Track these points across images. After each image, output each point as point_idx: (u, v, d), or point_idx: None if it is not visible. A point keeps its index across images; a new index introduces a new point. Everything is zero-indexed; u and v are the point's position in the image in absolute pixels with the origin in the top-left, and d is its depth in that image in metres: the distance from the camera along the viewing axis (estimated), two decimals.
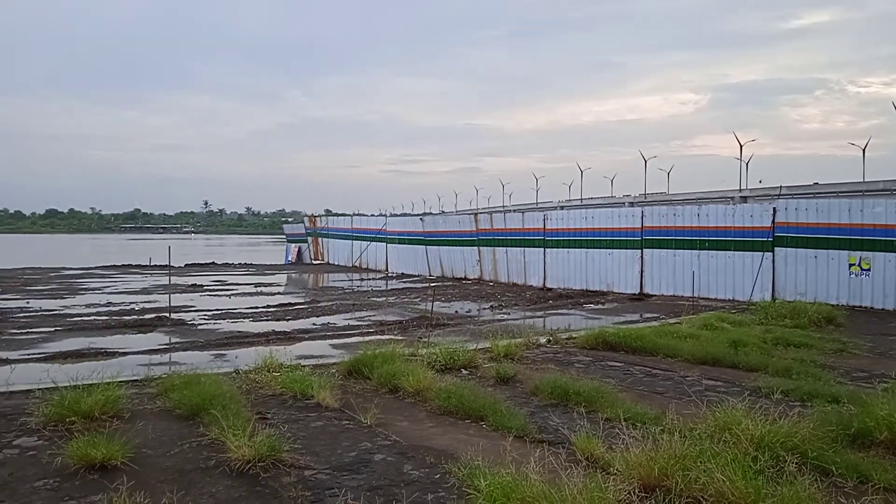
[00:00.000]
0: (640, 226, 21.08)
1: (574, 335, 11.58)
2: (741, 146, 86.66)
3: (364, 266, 35.16)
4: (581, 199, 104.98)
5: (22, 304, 18.32)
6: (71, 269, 33.21)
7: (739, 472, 4.16)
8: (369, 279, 29.19)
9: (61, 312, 16.50)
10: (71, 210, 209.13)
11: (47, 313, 16.29)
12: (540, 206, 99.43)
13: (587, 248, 22.51)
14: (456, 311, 17.21)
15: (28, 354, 10.98)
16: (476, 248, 27.09)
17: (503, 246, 25.73)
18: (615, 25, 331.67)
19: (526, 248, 24.60)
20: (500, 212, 28.22)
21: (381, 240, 33.98)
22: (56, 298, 19.94)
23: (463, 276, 27.74)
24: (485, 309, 18.15)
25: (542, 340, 11.25)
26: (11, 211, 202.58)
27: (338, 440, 5.88)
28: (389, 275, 31.49)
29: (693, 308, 15.88)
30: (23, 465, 5.26)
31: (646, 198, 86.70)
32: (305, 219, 44.64)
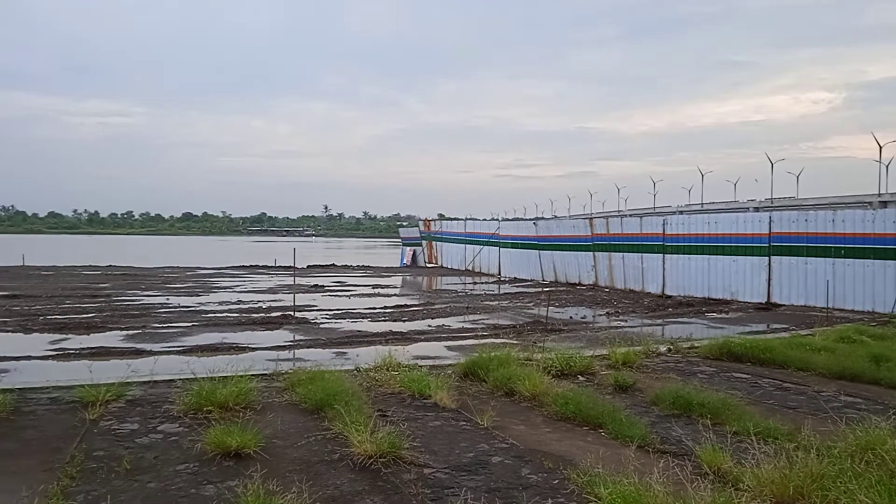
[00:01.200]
0: (767, 231, 20.00)
1: (696, 344, 11.15)
2: (881, 147, 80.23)
3: (477, 270, 35.38)
4: (702, 203, 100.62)
5: (163, 300, 19.78)
6: (205, 268, 35.48)
7: (886, 494, 3.86)
8: (482, 283, 29.34)
9: (197, 309, 17.66)
10: (204, 213, 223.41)
11: (185, 309, 17.49)
12: (657, 210, 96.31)
13: (709, 254, 21.61)
14: (570, 317, 16.97)
15: (168, 347, 11.83)
16: (591, 253, 26.63)
17: (619, 251, 25.16)
18: (737, 22, 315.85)
19: (644, 254, 23.93)
20: (617, 216, 27.62)
21: (493, 244, 34.08)
22: (192, 296, 21.36)
23: (577, 282, 27.34)
24: (600, 315, 17.80)
25: (662, 349, 10.90)
26: (153, 214, 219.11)
27: (455, 440, 5.96)
28: (502, 279, 31.52)
29: (827, 319, 14.88)
30: (166, 449, 5.68)
31: (772, 202, 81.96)
32: (420, 223, 45.50)
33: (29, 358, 10.66)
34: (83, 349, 11.45)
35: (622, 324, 16.01)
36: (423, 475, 5.08)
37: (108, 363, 10.31)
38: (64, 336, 12.88)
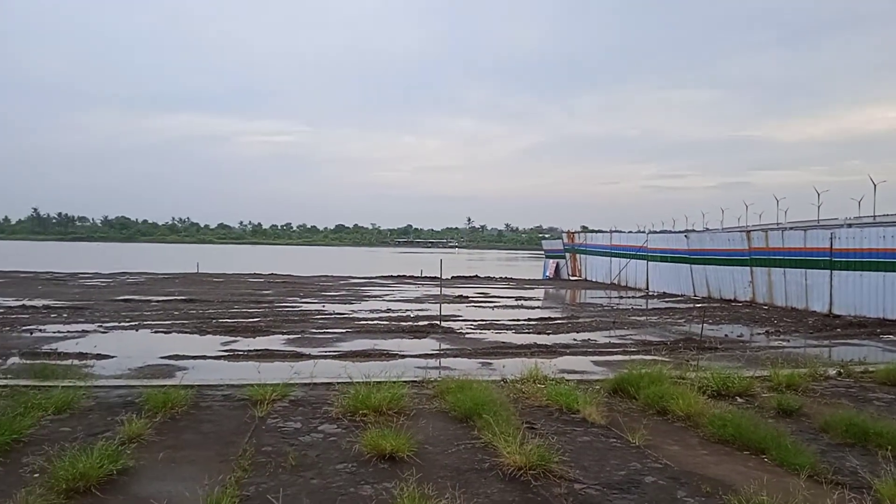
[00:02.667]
0: None
1: (871, 368, 10.21)
2: None
3: (623, 284, 34.45)
4: (874, 216, 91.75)
5: (319, 307, 20.93)
6: (356, 278, 37.14)
7: None
8: (628, 297, 28.51)
9: (350, 316, 18.52)
10: (355, 225, 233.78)
11: (339, 316, 18.41)
12: (823, 223, 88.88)
13: (885, 271, 19.67)
14: (725, 335, 16.09)
15: (325, 351, 12.50)
16: (748, 268, 25.11)
17: (780, 266, 23.52)
18: None
19: (808, 270, 22.19)
20: (777, 229, 25.82)
21: (640, 257, 33.03)
22: (345, 303, 22.43)
23: (732, 298, 25.86)
24: (758, 334, 16.73)
25: (831, 372, 10.07)
26: (309, 225, 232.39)
27: (606, 457, 5.84)
28: (650, 293, 30.47)
29: None
30: (327, 448, 6.01)
31: None
32: (563, 235, 45.00)
33: (204, 357, 11.66)
34: (250, 351, 12.37)
35: (783, 344, 14.95)
36: (574, 490, 5.03)
37: (272, 365, 11.08)
38: (233, 338, 13.97)
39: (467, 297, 25.98)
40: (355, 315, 18.84)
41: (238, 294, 25.08)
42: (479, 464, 5.60)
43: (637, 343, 14.36)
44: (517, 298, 25.99)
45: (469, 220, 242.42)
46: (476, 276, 41.27)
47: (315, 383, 8.62)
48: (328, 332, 15.12)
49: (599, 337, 15.32)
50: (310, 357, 11.78)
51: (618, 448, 6.14)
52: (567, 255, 42.45)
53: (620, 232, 37.42)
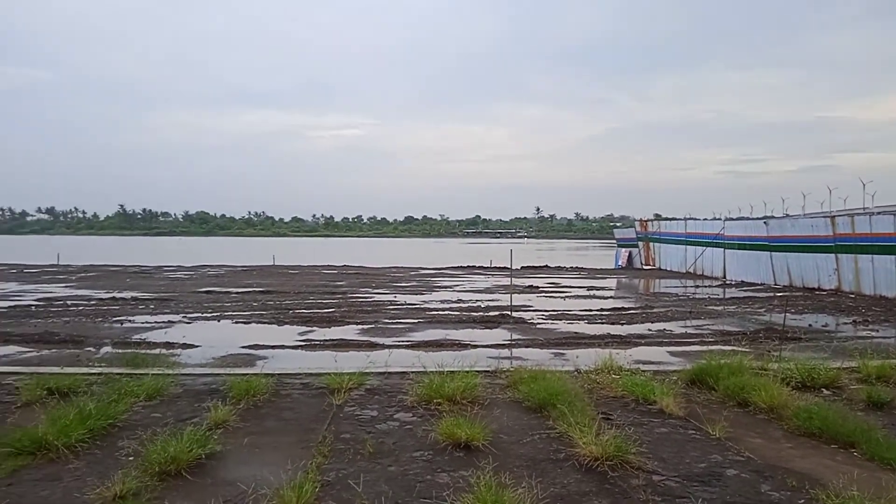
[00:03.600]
0: None
1: None
2: None
3: (699, 272, 33.53)
4: None
5: (391, 297, 21.23)
6: (426, 268, 37.46)
7: None
8: (704, 286, 27.74)
9: (421, 307, 18.71)
10: (424, 217, 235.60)
11: (410, 307, 18.62)
12: None
13: None
14: (809, 325, 15.47)
15: (398, 341, 12.67)
16: (833, 254, 24.03)
17: (867, 253, 22.39)
18: None
19: None
20: (863, 214, 24.52)
21: (717, 245, 32.05)
22: (416, 294, 22.66)
23: (816, 286, 24.82)
24: (845, 324, 16.00)
25: None
26: (379, 217, 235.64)
27: (685, 449, 5.73)
28: (727, 282, 29.56)
29: None
30: (402, 436, 6.11)
31: None
32: (636, 223, 44.08)
33: (283, 347, 12.01)
34: (326, 340, 12.67)
35: (872, 334, 14.26)
36: (652, 482, 4.95)
37: (347, 354, 11.32)
38: (309, 328, 14.34)
39: (538, 287, 25.82)
40: (426, 305, 19.01)
41: (312, 285, 25.70)
42: (555, 454, 5.58)
43: (715, 333, 13.98)
44: (589, 288, 25.66)
45: (538, 209, 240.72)
46: (546, 265, 40.94)
47: (389, 372, 8.77)
48: (400, 323, 15.32)
49: (675, 327, 14.98)
50: (383, 347, 11.98)
51: (697, 440, 6.01)
52: (640, 243, 41.61)
53: (695, 219, 36.27)
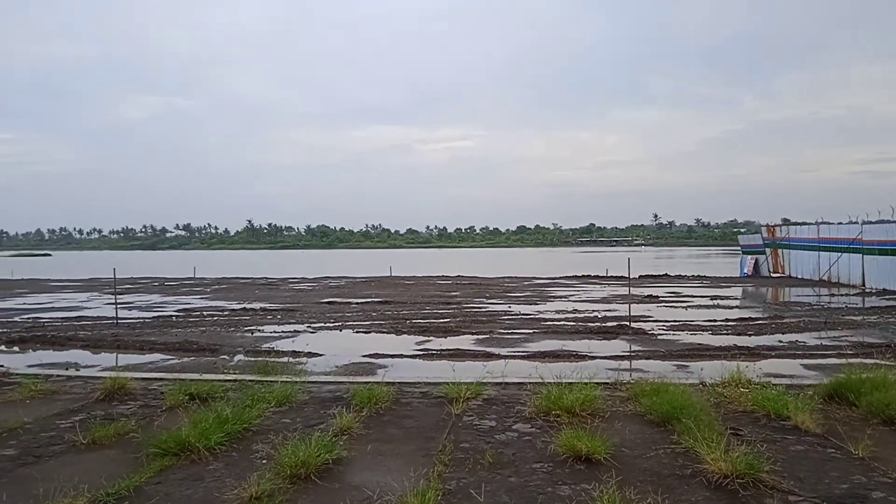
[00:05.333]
0: None
1: None
2: None
3: (833, 280, 31.33)
4: None
5: (505, 308, 21.25)
6: (540, 278, 37.20)
7: None
8: (840, 294, 25.89)
9: (536, 317, 18.60)
10: (536, 226, 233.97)
11: (525, 317, 18.56)
12: None
13: None
14: None
15: (514, 352, 12.66)
16: None
17: None
18: None
19: None
20: None
21: (854, 250, 29.83)
22: (530, 304, 22.55)
23: None
24: None
25: None
26: (491, 228, 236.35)
27: (823, 469, 5.37)
28: (867, 290, 27.42)
29: None
30: (522, 447, 6.10)
31: None
32: (762, 229, 41.76)
33: (401, 356, 12.31)
34: (443, 350, 12.87)
35: None
36: (788, 502, 4.68)
37: (463, 364, 11.43)
38: (426, 338, 14.61)
39: (657, 296, 25.04)
40: (541, 316, 18.88)
41: (428, 296, 26.15)
42: (681, 469, 5.39)
43: (855, 345, 13.02)
44: (712, 297, 24.60)
45: (655, 216, 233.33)
46: (665, 274, 39.61)
47: (506, 383, 8.78)
48: (515, 333, 15.30)
49: (808, 338, 14.08)
50: (499, 357, 12.01)
51: (837, 459, 5.62)
52: (767, 250, 39.41)
53: (829, 223, 33.89)
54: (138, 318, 19.38)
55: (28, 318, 19.39)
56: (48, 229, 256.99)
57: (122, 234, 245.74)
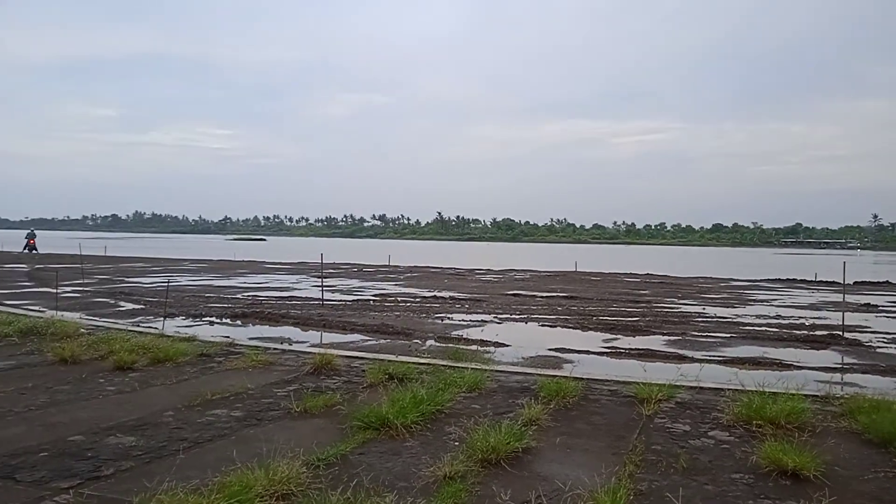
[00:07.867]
0: None
1: None
2: None
3: None
4: None
5: (699, 309, 20.20)
6: (738, 280, 34.89)
7: None
8: None
9: (733, 320, 17.49)
10: (734, 224, 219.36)
11: (721, 320, 17.52)
12: None
13: None
14: None
15: (709, 356, 12.03)
16: None
17: None
18: None
19: None
20: None
21: None
22: (727, 307, 21.23)
23: None
24: None
25: None
26: (683, 225, 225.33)
27: None
28: None
29: None
30: (718, 455, 5.80)
31: None
32: None
33: (588, 352, 12.18)
34: (631, 349, 12.54)
35: None
36: None
37: (654, 364, 11.06)
38: (614, 336, 14.31)
39: (876, 305, 22.49)
40: (739, 319, 17.72)
41: (615, 293, 25.56)
42: None
43: None
44: None
45: (875, 216, 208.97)
46: (887, 281, 35.39)
47: (702, 387, 8.38)
48: (711, 336, 14.51)
49: None
50: (693, 360, 11.48)
51: None
52: None
53: None
54: (340, 300, 20.90)
55: (248, 296, 21.64)
56: (263, 216, 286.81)
57: (325, 223, 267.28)
